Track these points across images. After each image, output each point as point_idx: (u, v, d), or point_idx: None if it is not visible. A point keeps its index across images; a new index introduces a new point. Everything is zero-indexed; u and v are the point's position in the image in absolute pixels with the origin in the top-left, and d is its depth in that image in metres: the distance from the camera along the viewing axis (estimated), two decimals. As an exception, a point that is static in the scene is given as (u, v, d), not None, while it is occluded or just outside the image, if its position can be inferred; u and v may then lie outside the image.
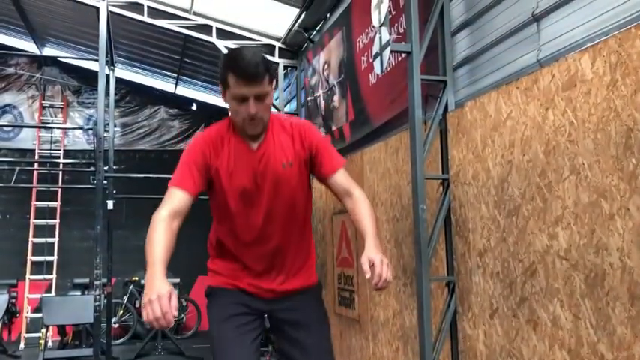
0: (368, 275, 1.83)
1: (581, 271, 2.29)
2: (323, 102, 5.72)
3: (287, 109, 6.93)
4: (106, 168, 4.43)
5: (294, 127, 2.01)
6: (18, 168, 5.79)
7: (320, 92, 5.82)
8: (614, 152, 2.14)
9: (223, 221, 2.02)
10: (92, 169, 7.97)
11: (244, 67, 1.80)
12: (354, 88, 4.88)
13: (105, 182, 4.14)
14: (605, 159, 2.19)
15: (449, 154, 3.31)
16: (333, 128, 5.40)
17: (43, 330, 6.52)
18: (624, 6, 2.19)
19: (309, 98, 6.22)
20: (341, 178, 2.04)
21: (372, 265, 1.81)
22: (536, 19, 2.70)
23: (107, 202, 4.69)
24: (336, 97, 5.36)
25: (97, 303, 3.66)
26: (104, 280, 8.12)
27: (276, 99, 6.69)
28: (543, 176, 2.52)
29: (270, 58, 6.47)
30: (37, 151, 8.72)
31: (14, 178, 5.66)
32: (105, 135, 5.10)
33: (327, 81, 5.59)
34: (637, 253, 2.03)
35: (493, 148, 2.90)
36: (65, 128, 8.53)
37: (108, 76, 5.31)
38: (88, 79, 9.11)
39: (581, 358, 2.29)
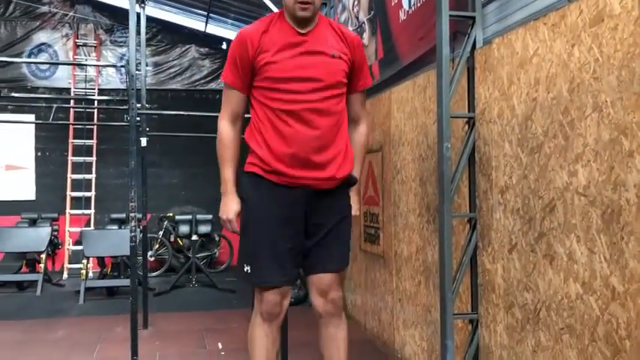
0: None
1: (599, 207, 2.33)
2: (352, 40, 5.68)
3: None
4: (138, 105, 4.53)
5: (345, 32, 2.09)
6: (55, 105, 5.96)
7: (350, 29, 5.77)
8: (638, 89, 2.13)
9: (266, 108, 2.03)
10: (125, 106, 8.17)
11: None
12: (383, 25, 4.83)
13: (138, 120, 4.25)
14: (627, 96, 2.18)
15: (475, 92, 3.31)
16: (362, 67, 5.38)
17: (84, 261, 6.87)
18: (657, -63, 2.12)
19: (338, 36, 6.18)
20: (360, 100, 2.16)
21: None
22: (568, -49, 2.63)
23: (140, 139, 4.82)
24: (365, 35, 5.32)
25: (133, 234, 3.84)
26: (139, 215, 8.47)
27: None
28: (566, 114, 2.53)
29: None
30: (72, 90, 8.91)
31: (52, 115, 5.82)
32: (137, 73, 5.19)
33: (357, 18, 5.53)
34: (654, 190, 2.06)
35: (518, 85, 2.89)
36: (97, 65, 8.66)
37: (139, 14, 5.35)
38: (120, 17, 9.17)
39: (594, 290, 2.36)
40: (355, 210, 2.09)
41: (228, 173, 2.09)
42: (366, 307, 5.14)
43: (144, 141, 5.12)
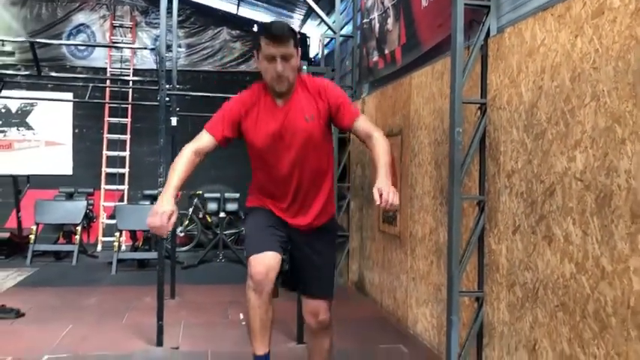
0: (377, 202, 2.16)
1: (593, 191, 2.45)
2: (377, 25, 5.79)
3: (344, 31, 7.01)
4: (168, 86, 4.75)
5: (315, 86, 2.32)
6: (91, 85, 6.24)
7: (375, 15, 5.88)
8: (632, 79, 2.24)
9: (258, 166, 2.41)
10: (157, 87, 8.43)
11: (274, 30, 2.18)
12: (407, 11, 4.94)
13: (168, 100, 4.47)
14: (622, 86, 2.29)
15: (487, 79, 3.43)
16: (386, 52, 5.50)
17: (117, 234, 7.21)
18: None
19: (364, 21, 6.29)
20: (362, 124, 2.36)
21: (381, 195, 2.13)
22: (577, -56, 2.72)
23: (171, 118, 5.05)
24: (389, 20, 5.43)
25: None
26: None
27: (333, 22, 6.78)
28: (568, 102, 2.64)
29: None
30: (108, 70, 9.23)
31: (88, 94, 6.11)
32: (168, 55, 5.41)
33: (382, 3, 5.64)
34: (642, 175, 2.18)
35: (527, 73, 3.00)
36: (131, 47, 8.95)
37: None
38: (155, 0, 9.42)
39: (585, 270, 2.49)
40: (388, 185, 2.19)
41: (172, 179, 2.31)
42: (383, 286, 5.32)
43: (174, 120, 5.36)
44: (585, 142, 2.51)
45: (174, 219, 2.20)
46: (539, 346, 2.83)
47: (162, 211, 2.17)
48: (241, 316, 5.01)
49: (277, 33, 2.20)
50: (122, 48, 9.08)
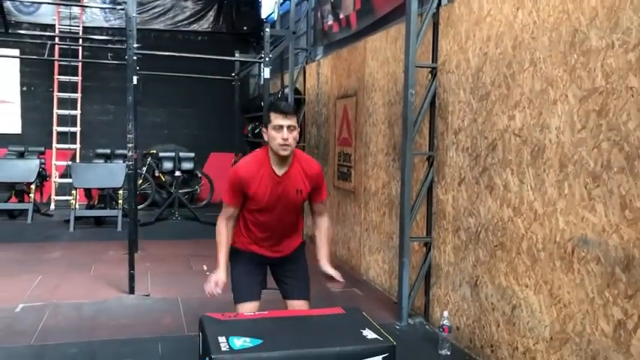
0: (329, 285, 2.92)
1: (529, 145, 2.84)
2: (332, -10, 6.01)
3: (298, -6, 7.17)
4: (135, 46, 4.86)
5: (310, 168, 2.91)
6: (49, 43, 6.16)
7: (330, -20, 6.08)
8: (563, 48, 2.61)
9: (249, 216, 2.94)
10: (116, 46, 8.37)
11: (282, 106, 2.78)
12: (361, -23, 5.18)
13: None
14: (555, 54, 2.66)
15: (438, 45, 3.75)
16: (341, 16, 5.74)
17: (74, 192, 7.27)
18: None
19: (319, -15, 6.48)
20: (320, 206, 3.06)
21: (329, 277, 2.87)
22: None
23: (132, 77, 5.15)
24: (344, -14, 5.65)
25: (131, 162, 4.28)
26: (125, 151, 8.82)
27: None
28: (509, 67, 3.00)
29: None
30: (56, 26, 9.05)
31: (46, 52, 6.06)
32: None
33: (337, -31, 5.84)
34: (568, 131, 2.57)
35: (474, 41, 3.34)
36: (96, 7, 8.82)
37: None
38: (105, -46, 9.26)
39: (521, 213, 2.90)
40: (332, 270, 2.93)
41: (221, 256, 2.90)
42: (337, 238, 5.69)
43: (135, 79, 5.45)
44: (523, 103, 2.89)
45: (221, 285, 2.81)
46: (480, 282, 3.25)
47: (215, 281, 2.79)
48: (205, 267, 5.28)
49: (286, 110, 2.77)
50: (86, 7, 8.89)
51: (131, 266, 4.27)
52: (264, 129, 2.89)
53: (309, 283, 3.10)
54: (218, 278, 2.84)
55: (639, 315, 2.19)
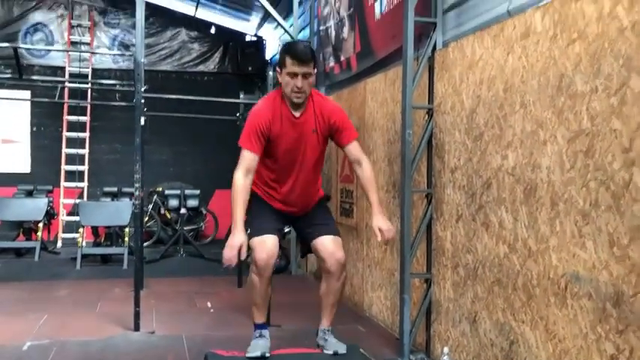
0: (379, 239, 2.86)
1: (522, 184, 2.94)
2: (334, 32, 6.22)
3: (300, 36, 7.39)
4: (143, 89, 5.04)
5: (324, 106, 2.79)
6: (60, 85, 6.38)
7: (331, 23, 6.30)
8: (551, 92, 2.73)
9: (269, 163, 2.80)
10: (125, 88, 8.61)
11: (299, 52, 2.60)
12: (361, 21, 5.37)
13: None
14: (544, 97, 2.78)
15: (434, 87, 3.90)
16: (342, 58, 5.93)
17: (81, 230, 7.38)
18: (570, -27, 2.70)
19: (321, 28, 6.70)
20: (355, 148, 2.84)
21: (381, 231, 2.81)
22: (510, -25, 3.21)
23: (140, 118, 5.31)
24: (345, 29, 5.86)
25: (138, 202, 4.39)
26: (132, 189, 8.96)
27: (290, 26, 7.16)
28: (501, 109, 3.13)
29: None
30: (67, 69, 9.32)
31: (57, 94, 6.26)
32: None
33: (338, 13, 6.06)
34: (558, 171, 2.67)
35: (467, 84, 3.48)
36: (107, 54, 9.13)
37: (146, 2, 5.80)
38: (113, 0, 9.58)
39: (516, 250, 2.98)
40: (386, 223, 2.89)
41: (238, 214, 2.66)
42: (340, 274, 5.74)
43: (142, 120, 5.60)
44: (515, 143, 3.00)
45: (245, 249, 2.58)
46: (479, 317, 3.31)
47: (237, 244, 2.56)
48: (209, 304, 5.34)
49: (302, 55, 2.60)
50: (95, 54, 9.24)
51: (137, 304, 4.34)
52: (278, 70, 2.71)
53: (336, 224, 2.96)
54: (241, 242, 2.57)
55: (630, 350, 2.25)
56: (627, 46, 2.28)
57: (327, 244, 2.91)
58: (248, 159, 2.69)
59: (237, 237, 2.60)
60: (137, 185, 4.43)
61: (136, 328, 4.34)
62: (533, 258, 2.85)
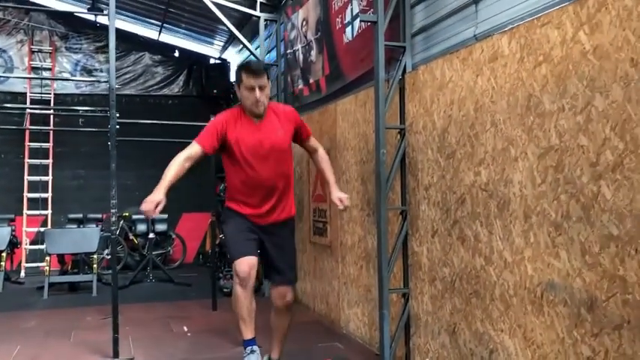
0: (341, 207, 3.24)
1: (495, 199, 3.09)
2: (301, 56, 6.35)
3: (267, 58, 7.50)
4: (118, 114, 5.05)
5: (284, 111, 3.14)
6: (28, 111, 6.29)
7: (299, 46, 6.44)
8: (520, 111, 2.90)
9: (235, 172, 3.00)
10: (90, 114, 8.53)
11: (253, 67, 2.93)
12: (329, 45, 5.52)
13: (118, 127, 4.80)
14: (513, 116, 2.95)
15: (405, 108, 4.05)
16: (310, 80, 6.06)
17: (47, 258, 7.23)
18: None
19: (288, 51, 6.83)
20: (312, 140, 3.24)
21: (341, 201, 3.21)
22: (475, 1, 3.40)
23: (108, 143, 5.30)
24: (313, 52, 6.00)
25: (114, 227, 4.38)
26: (98, 215, 8.83)
27: (256, 48, 7.26)
28: (472, 128, 3.29)
29: (251, 11, 7.03)
30: (28, 95, 9.17)
31: (26, 121, 6.17)
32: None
33: (305, 37, 6.20)
34: (530, 185, 2.83)
35: (438, 104, 3.64)
36: (81, 80, 9.10)
37: (117, 29, 5.81)
38: (75, 25, 9.52)
39: (492, 262, 3.12)
40: (341, 193, 3.28)
41: (167, 178, 2.93)
42: (315, 293, 5.81)
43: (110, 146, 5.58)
44: (487, 160, 3.16)
45: (161, 207, 2.81)
46: (458, 328, 3.43)
47: (156, 200, 2.80)
48: (185, 328, 5.32)
49: (256, 69, 2.89)
50: (70, 80, 9.18)
51: (115, 330, 4.30)
52: (236, 87, 3.01)
53: (296, 261, 3.27)
54: (159, 199, 2.84)
55: (605, 352, 2.39)
56: (590, 68, 2.46)
57: (281, 291, 3.23)
58: (192, 147, 2.94)
59: (157, 195, 2.85)
60: (113, 211, 4.43)
61: (115, 355, 4.30)
62: (509, 269, 2.99)
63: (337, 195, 3.23)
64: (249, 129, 2.97)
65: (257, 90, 2.89)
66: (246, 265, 2.93)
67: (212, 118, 3.16)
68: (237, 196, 3.05)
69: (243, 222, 3.05)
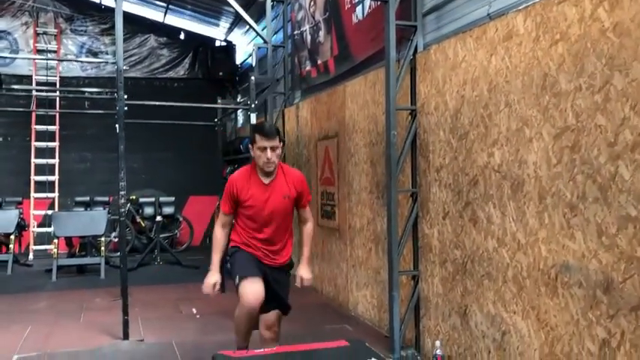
0: (298, 285, 3.42)
1: (509, 180, 3.06)
2: (309, 36, 6.29)
3: (274, 39, 7.43)
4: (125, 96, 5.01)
5: (293, 176, 3.35)
6: (35, 93, 6.25)
7: (306, 27, 6.37)
8: (535, 91, 2.86)
9: (243, 222, 3.33)
10: (95, 96, 8.50)
11: (266, 129, 3.22)
12: (338, 25, 5.46)
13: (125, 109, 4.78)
14: (528, 96, 2.90)
15: (416, 89, 4.00)
16: (319, 62, 6.00)
17: (55, 241, 7.24)
18: (550, -23, 2.83)
19: (295, 32, 6.76)
20: (307, 211, 3.47)
21: (301, 278, 3.40)
22: (489, -21, 3.34)
23: (116, 125, 5.28)
24: (321, 33, 5.93)
25: (123, 210, 4.38)
26: (105, 198, 8.83)
27: (263, 29, 7.19)
28: (486, 108, 3.24)
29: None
30: (33, 77, 9.13)
31: (33, 103, 6.14)
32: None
33: (313, 17, 6.13)
34: (545, 166, 2.79)
35: (450, 85, 3.59)
36: (88, 61, 9.08)
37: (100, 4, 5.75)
38: (81, 7, 9.46)
39: (505, 244, 3.10)
40: (307, 273, 3.45)
41: (216, 258, 3.33)
42: (323, 276, 5.81)
43: (118, 128, 5.56)
44: (501, 141, 3.12)
45: (218, 286, 3.30)
46: (469, 310, 3.42)
47: (212, 282, 3.28)
48: (194, 310, 5.33)
49: (268, 131, 3.20)
50: (80, 62, 9.13)
51: (125, 312, 4.31)
52: (250, 146, 3.28)
53: (288, 297, 3.47)
54: (215, 280, 3.26)
55: (621, 333, 2.38)
56: (609, 46, 2.41)
57: (271, 319, 3.42)
58: (223, 218, 3.38)
59: (212, 276, 3.26)
60: (122, 193, 4.42)
61: (125, 336, 4.31)
62: (523, 250, 2.97)
63: (302, 273, 3.41)
64: (258, 189, 3.24)
65: (269, 150, 3.15)
66: (252, 295, 3.13)
67: (230, 177, 3.44)
68: (248, 236, 3.32)
69: (250, 255, 3.31)
